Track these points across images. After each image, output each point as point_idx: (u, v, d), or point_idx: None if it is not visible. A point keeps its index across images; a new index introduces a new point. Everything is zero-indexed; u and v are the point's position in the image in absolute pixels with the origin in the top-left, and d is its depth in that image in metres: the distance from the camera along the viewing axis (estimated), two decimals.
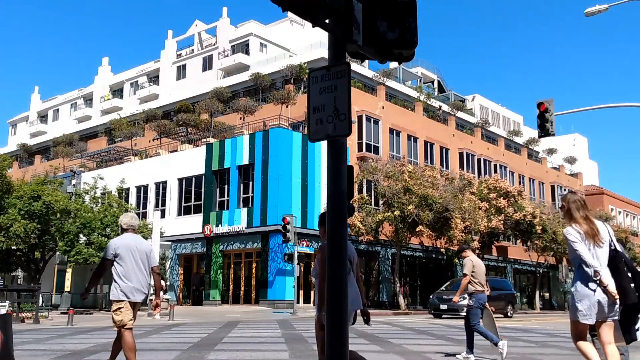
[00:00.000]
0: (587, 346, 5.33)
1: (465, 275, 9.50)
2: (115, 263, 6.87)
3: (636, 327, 5.29)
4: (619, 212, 64.49)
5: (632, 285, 5.17)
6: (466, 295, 9.83)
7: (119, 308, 6.81)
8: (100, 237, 29.16)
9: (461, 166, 44.88)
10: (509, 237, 43.78)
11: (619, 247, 5.36)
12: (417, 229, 32.37)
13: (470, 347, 9.49)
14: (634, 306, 5.18)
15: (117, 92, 66.45)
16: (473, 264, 9.59)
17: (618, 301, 5.09)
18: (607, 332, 5.21)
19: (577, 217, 5.29)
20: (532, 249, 43.78)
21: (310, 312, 26.91)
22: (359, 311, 5.48)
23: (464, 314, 9.89)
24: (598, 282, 5.07)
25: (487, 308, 9.70)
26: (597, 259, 5.15)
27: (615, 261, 5.22)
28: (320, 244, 5.50)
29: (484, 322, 9.68)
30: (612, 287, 5.07)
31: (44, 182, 32.45)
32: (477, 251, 40.23)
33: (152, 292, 7.43)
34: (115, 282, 6.85)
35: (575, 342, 5.37)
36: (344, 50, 4.24)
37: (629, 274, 5.21)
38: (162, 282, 24.63)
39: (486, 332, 9.38)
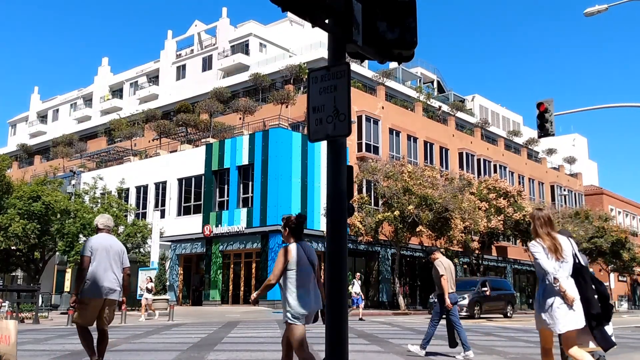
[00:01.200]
0: None
1: (442, 275, 9.76)
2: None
3: (610, 333, 5.68)
4: (619, 212, 64.49)
5: (596, 296, 5.57)
6: (435, 299, 10.12)
7: (85, 305, 6.99)
8: None
9: (461, 166, 44.90)
10: (508, 237, 43.79)
11: (582, 262, 5.71)
12: (417, 229, 32.35)
13: (465, 345, 9.57)
14: (598, 315, 5.53)
15: (116, 92, 66.44)
16: (444, 265, 9.97)
17: (576, 308, 5.39)
18: (571, 337, 5.48)
19: (540, 233, 5.64)
20: None
21: None
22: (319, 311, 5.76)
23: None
24: (557, 287, 5.37)
25: (455, 308, 9.97)
26: (559, 271, 5.45)
27: (582, 273, 5.60)
28: (282, 245, 5.73)
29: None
30: (570, 292, 5.38)
31: (43, 182, 32.49)
32: (477, 251, 40.33)
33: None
34: (87, 279, 7.01)
35: (542, 357, 5.79)
36: (343, 51, 4.24)
37: (593, 287, 5.61)
38: (152, 285, 24.74)
39: (430, 335, 9.81)
